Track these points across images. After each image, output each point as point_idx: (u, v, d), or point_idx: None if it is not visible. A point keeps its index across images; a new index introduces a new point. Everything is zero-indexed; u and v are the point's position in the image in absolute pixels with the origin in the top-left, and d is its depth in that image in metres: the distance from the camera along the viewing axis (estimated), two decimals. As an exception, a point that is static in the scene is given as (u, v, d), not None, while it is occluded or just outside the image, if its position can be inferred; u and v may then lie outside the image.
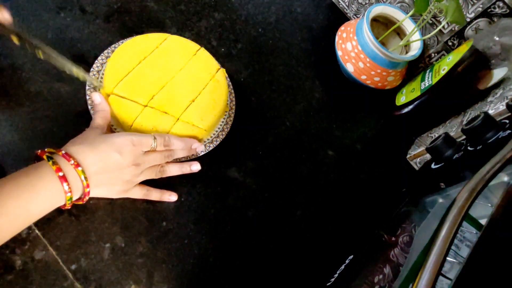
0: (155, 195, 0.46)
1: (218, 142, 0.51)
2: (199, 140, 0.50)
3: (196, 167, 0.49)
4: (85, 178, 0.37)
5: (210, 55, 0.53)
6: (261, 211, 0.52)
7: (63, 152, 0.37)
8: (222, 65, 0.56)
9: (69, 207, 0.38)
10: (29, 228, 0.40)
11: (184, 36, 0.53)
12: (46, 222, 0.41)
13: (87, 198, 0.39)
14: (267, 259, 0.50)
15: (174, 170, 0.47)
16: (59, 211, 0.41)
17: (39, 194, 0.34)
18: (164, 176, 0.46)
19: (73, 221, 0.42)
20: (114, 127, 0.47)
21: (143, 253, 0.44)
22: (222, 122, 0.53)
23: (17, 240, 0.39)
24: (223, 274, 0.47)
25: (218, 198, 0.50)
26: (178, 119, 0.47)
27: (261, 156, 0.56)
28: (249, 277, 0.48)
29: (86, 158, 0.38)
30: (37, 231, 0.40)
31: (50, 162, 0.35)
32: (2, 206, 0.32)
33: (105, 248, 0.42)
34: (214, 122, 0.50)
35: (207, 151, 0.50)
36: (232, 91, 0.56)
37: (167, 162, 0.47)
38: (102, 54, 0.49)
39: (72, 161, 0.36)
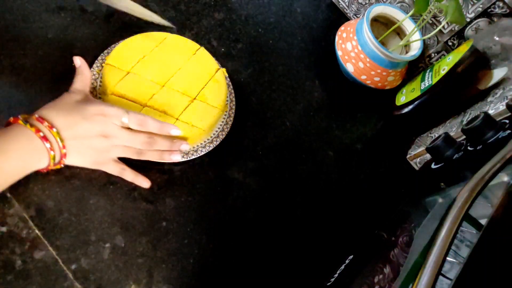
0: (130, 175, 0.45)
1: (218, 142, 0.51)
2: (199, 140, 0.50)
3: (176, 157, 0.47)
4: (61, 139, 0.38)
5: (209, 54, 0.53)
6: (261, 211, 0.52)
7: (37, 115, 0.38)
8: (222, 65, 0.56)
9: (50, 170, 0.40)
10: (29, 228, 0.40)
11: (184, 36, 0.53)
12: (46, 222, 0.41)
13: (64, 160, 0.40)
14: (267, 259, 0.50)
15: (153, 155, 0.46)
16: (59, 210, 0.42)
17: (13, 155, 0.35)
18: (142, 158, 0.45)
19: (73, 221, 0.42)
20: (100, 96, 0.47)
21: (143, 253, 0.44)
22: (222, 122, 0.53)
23: (17, 240, 0.39)
24: (223, 274, 0.47)
25: (218, 198, 0.50)
26: (177, 119, 0.47)
27: (261, 156, 0.56)
28: (249, 277, 0.48)
29: (58, 123, 0.38)
30: (37, 231, 0.40)
31: (28, 125, 0.36)
32: None
33: (105, 248, 0.42)
34: (213, 122, 0.50)
35: (207, 151, 0.50)
36: (232, 91, 0.56)
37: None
38: (102, 54, 0.49)
39: (46, 123, 0.37)
